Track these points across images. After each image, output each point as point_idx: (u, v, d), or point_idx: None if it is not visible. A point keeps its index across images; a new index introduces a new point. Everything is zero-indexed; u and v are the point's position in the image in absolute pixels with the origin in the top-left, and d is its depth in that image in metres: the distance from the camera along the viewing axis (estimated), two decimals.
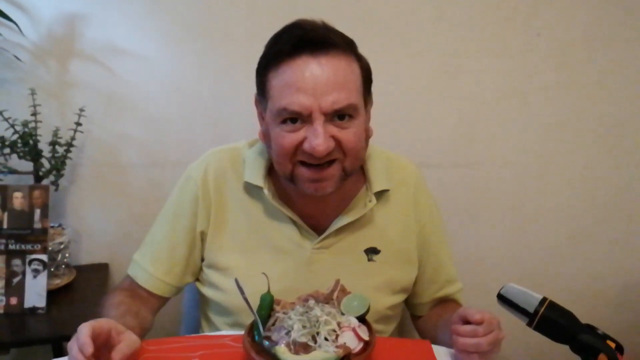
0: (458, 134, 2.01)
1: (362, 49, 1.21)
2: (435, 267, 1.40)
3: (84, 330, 0.95)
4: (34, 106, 1.66)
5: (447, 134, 2.00)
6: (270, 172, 1.29)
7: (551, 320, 0.97)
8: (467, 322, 1.10)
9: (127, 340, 1.01)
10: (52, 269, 1.67)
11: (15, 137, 1.65)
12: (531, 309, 0.98)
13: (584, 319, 0.99)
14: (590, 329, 0.96)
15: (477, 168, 2.04)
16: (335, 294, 1.10)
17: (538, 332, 0.99)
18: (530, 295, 1.00)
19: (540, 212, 2.10)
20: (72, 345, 0.95)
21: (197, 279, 1.37)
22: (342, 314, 1.05)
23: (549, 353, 1.67)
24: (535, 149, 2.05)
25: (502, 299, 1.03)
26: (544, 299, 0.99)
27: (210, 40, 1.84)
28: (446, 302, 1.43)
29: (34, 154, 1.66)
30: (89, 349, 0.92)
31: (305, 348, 0.96)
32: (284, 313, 1.04)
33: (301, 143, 1.13)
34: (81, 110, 1.71)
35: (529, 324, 0.99)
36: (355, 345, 0.99)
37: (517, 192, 2.08)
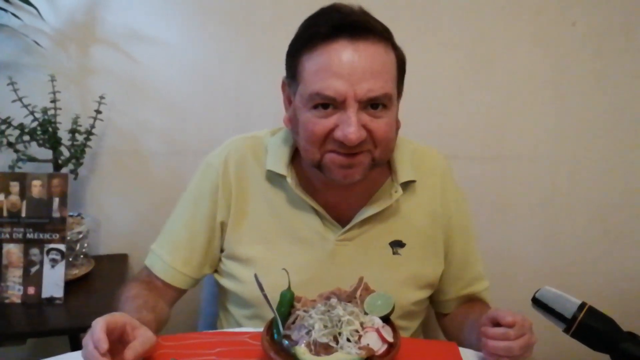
0: (488, 125, 1.97)
1: (394, 37, 1.16)
2: (461, 262, 1.36)
3: (99, 326, 0.93)
4: (54, 93, 1.64)
5: (477, 126, 1.96)
6: (294, 160, 1.26)
7: (590, 327, 0.92)
8: (497, 324, 1.06)
9: (142, 337, 0.98)
10: (71, 259, 1.66)
11: (34, 124, 1.64)
12: (569, 315, 0.93)
13: (621, 324, 0.94)
14: (632, 337, 0.91)
15: (507, 161, 2.00)
16: (358, 293, 1.06)
17: (576, 340, 0.93)
18: (568, 300, 0.95)
19: (572, 207, 2.05)
20: (87, 341, 0.93)
21: (216, 271, 1.35)
22: (366, 313, 1.01)
23: None
24: (569, 142, 2.00)
25: (537, 303, 0.98)
26: (583, 304, 0.93)
27: (234, 26, 1.82)
28: (472, 301, 1.39)
29: (53, 142, 1.65)
30: (104, 345, 0.90)
31: (326, 349, 0.92)
32: (305, 311, 1.00)
33: (332, 130, 1.10)
34: (101, 97, 1.69)
35: (566, 331, 0.94)
36: (378, 347, 0.94)
37: (549, 187, 2.04)
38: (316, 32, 1.10)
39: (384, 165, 1.27)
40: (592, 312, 0.93)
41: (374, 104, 1.09)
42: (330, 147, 1.12)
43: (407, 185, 1.27)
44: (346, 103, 1.08)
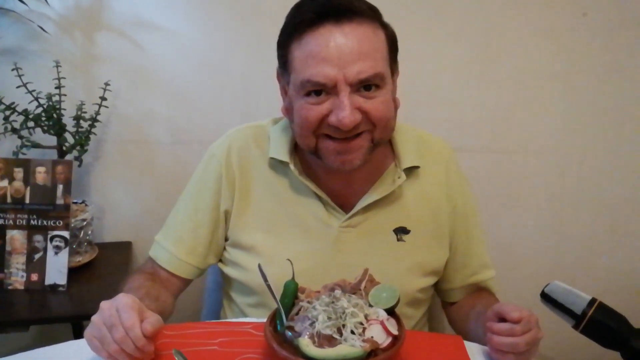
0: (496, 118, 1.94)
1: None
2: (467, 249, 1.35)
3: (129, 309, 0.93)
4: (59, 79, 1.64)
5: (484, 119, 1.94)
6: (296, 147, 1.26)
7: (600, 323, 0.91)
8: (503, 319, 1.04)
9: (153, 317, 0.97)
10: (74, 246, 1.65)
11: (39, 110, 1.63)
12: (578, 311, 0.92)
13: (630, 321, 0.93)
14: None
15: (515, 154, 1.98)
16: (363, 284, 1.05)
17: (585, 336, 0.92)
18: (578, 295, 0.94)
19: (579, 202, 2.03)
20: (106, 322, 0.93)
21: (220, 260, 1.35)
22: (370, 305, 1.00)
23: (595, 358, 1.60)
24: (577, 136, 1.98)
25: (546, 298, 0.96)
26: (593, 300, 0.92)
27: (240, 14, 1.80)
28: (479, 291, 1.38)
29: (58, 128, 1.64)
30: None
31: (329, 341, 0.91)
32: (309, 302, 0.99)
33: (326, 116, 1.11)
34: (106, 84, 1.68)
35: (576, 327, 0.93)
36: (383, 340, 0.93)
37: (556, 181, 2.02)
38: (302, 20, 1.10)
39: (388, 150, 1.27)
40: (603, 308, 0.91)
41: (366, 86, 1.09)
42: (325, 132, 1.12)
43: (411, 171, 1.26)
44: (338, 87, 1.08)
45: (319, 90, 1.09)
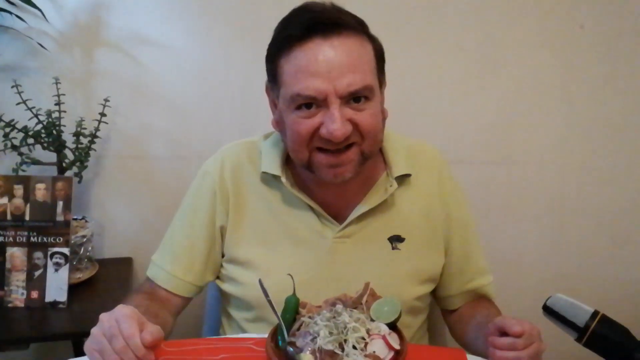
0: (495, 129, 1.95)
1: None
2: (463, 256, 1.35)
3: (129, 319, 0.93)
4: (58, 95, 1.64)
5: (483, 130, 1.95)
6: (288, 161, 1.27)
7: (603, 336, 0.89)
8: (504, 333, 1.03)
9: (153, 327, 0.96)
10: (74, 263, 1.65)
11: (39, 127, 1.63)
12: (581, 324, 0.91)
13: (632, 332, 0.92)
14: None
15: (514, 166, 1.98)
16: (364, 299, 1.04)
17: (588, 349, 0.91)
18: (580, 308, 0.92)
19: (579, 212, 2.04)
20: (106, 333, 0.92)
21: (218, 277, 1.34)
22: (372, 320, 0.99)
23: None
24: (576, 146, 1.99)
25: (548, 310, 0.95)
26: (596, 312, 0.91)
27: (239, 29, 1.81)
28: (477, 300, 1.37)
29: (58, 145, 1.64)
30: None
31: (331, 356, 0.90)
32: (310, 317, 0.99)
33: (317, 129, 1.11)
34: (106, 100, 1.68)
35: (578, 340, 0.92)
36: (385, 355, 0.93)
37: (556, 192, 2.02)
38: (290, 34, 1.11)
39: (379, 160, 1.28)
40: (606, 321, 0.90)
41: (356, 98, 1.10)
42: (317, 144, 1.13)
43: (402, 179, 1.27)
44: (328, 100, 1.08)
45: (310, 103, 1.10)
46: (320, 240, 1.24)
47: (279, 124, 1.20)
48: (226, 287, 1.31)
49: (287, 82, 1.12)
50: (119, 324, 0.92)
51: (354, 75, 1.08)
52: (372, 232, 1.26)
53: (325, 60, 1.07)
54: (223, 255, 1.31)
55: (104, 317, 0.95)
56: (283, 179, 1.22)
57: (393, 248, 1.27)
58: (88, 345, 0.94)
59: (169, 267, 1.29)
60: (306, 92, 1.08)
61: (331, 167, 1.14)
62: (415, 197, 1.29)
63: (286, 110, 1.14)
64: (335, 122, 1.08)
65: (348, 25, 1.11)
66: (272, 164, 1.24)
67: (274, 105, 1.22)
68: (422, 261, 1.29)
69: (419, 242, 1.29)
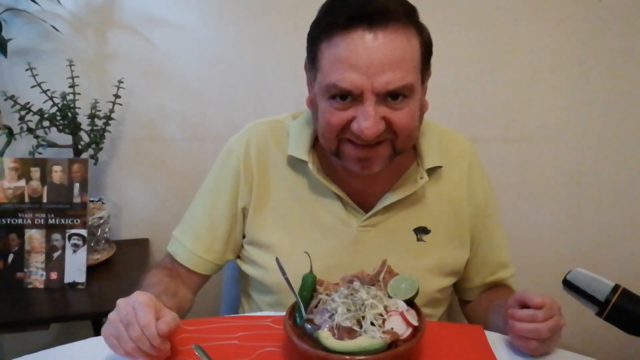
0: (512, 106, 1.93)
1: None
2: (488, 249, 1.33)
3: (144, 307, 0.93)
4: (72, 78, 1.64)
5: (500, 107, 1.93)
6: (316, 145, 1.23)
7: (624, 310, 0.88)
8: (525, 306, 1.03)
9: (170, 315, 0.97)
10: (92, 244, 1.66)
11: (54, 109, 1.63)
12: (602, 298, 0.90)
13: None
14: None
15: (531, 143, 1.96)
16: (381, 276, 1.04)
17: (609, 323, 0.90)
18: (601, 282, 0.91)
19: (597, 191, 2.02)
20: (123, 319, 0.93)
21: (238, 256, 1.34)
22: (389, 296, 0.99)
23: (619, 345, 1.58)
24: (594, 123, 1.96)
25: (569, 285, 0.94)
26: (617, 286, 0.90)
27: (252, 10, 1.79)
28: (497, 287, 1.36)
29: (73, 127, 1.64)
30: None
31: (349, 333, 0.90)
32: (327, 295, 0.99)
33: (349, 122, 1.07)
34: (120, 82, 1.68)
35: (599, 314, 0.91)
36: (403, 331, 0.93)
37: (574, 169, 2.00)
38: (334, 20, 1.05)
39: (410, 150, 1.23)
40: (627, 295, 0.89)
41: (393, 95, 1.06)
42: (347, 136, 1.10)
43: (433, 171, 1.23)
44: (363, 96, 1.05)
45: (345, 95, 1.06)
46: (344, 228, 1.22)
47: (313, 103, 1.16)
48: (246, 268, 1.31)
49: (324, 69, 1.08)
50: (135, 312, 0.93)
51: (394, 74, 1.03)
52: (398, 223, 1.24)
53: (367, 54, 1.03)
54: (244, 236, 1.30)
55: (121, 302, 0.95)
56: (310, 165, 1.19)
57: (418, 239, 1.25)
58: (105, 330, 0.95)
59: (190, 244, 1.28)
60: (342, 84, 1.04)
61: (359, 161, 1.11)
62: (444, 189, 1.26)
63: (321, 96, 1.11)
64: (368, 120, 1.04)
65: (396, 16, 1.04)
66: (300, 148, 1.21)
67: (310, 84, 1.18)
68: (447, 254, 1.27)
69: (445, 234, 1.26)
